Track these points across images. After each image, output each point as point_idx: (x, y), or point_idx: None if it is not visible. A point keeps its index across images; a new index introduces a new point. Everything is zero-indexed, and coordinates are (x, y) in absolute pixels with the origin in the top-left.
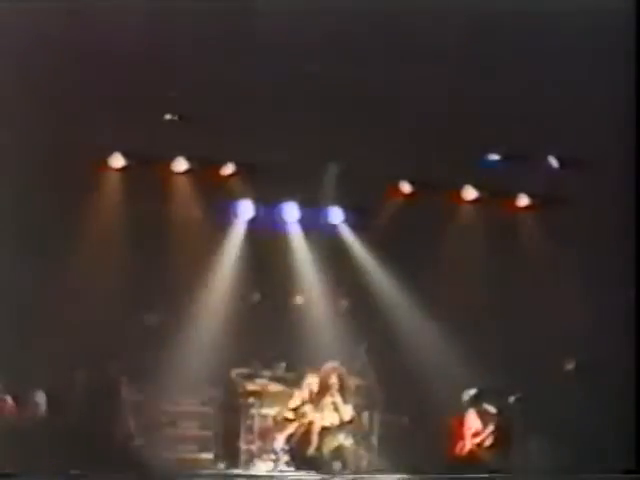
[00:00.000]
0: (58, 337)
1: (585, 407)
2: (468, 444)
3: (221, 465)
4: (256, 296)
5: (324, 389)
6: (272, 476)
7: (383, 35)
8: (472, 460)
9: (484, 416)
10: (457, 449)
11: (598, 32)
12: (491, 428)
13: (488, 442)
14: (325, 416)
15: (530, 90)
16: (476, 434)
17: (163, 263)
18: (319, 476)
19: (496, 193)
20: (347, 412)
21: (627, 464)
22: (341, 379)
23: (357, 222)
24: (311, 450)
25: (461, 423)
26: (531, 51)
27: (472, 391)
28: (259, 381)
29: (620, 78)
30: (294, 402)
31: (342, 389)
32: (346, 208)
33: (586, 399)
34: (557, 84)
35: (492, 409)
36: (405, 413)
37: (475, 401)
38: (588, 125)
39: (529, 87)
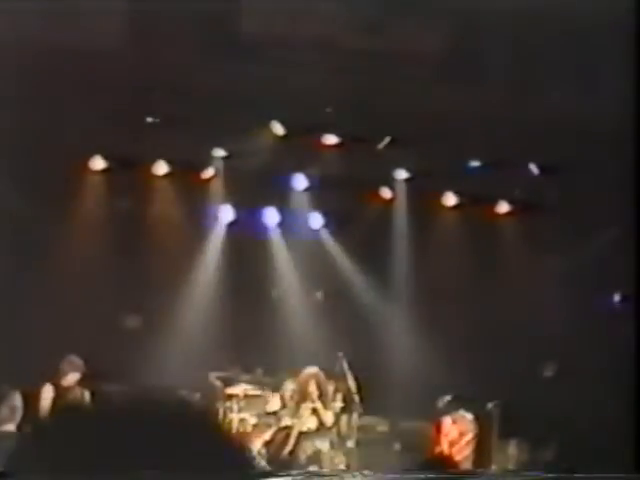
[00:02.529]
0: (37, 337)
1: (583, 407)
2: (445, 450)
3: None
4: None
5: (303, 395)
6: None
7: (367, 41)
8: (449, 466)
9: (461, 422)
10: (434, 455)
11: (594, 36)
12: (470, 436)
13: (465, 450)
14: (303, 421)
15: (513, 96)
16: (453, 441)
17: (143, 266)
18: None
19: (477, 199)
20: (328, 418)
21: (627, 464)
22: (320, 386)
23: (337, 227)
24: (288, 455)
25: (439, 429)
26: (516, 57)
27: (448, 397)
28: (238, 385)
29: (610, 85)
30: (272, 407)
31: (321, 396)
32: (326, 213)
33: (584, 400)
34: (541, 90)
35: (469, 415)
36: (383, 418)
37: (451, 407)
38: (571, 132)
39: (512, 93)
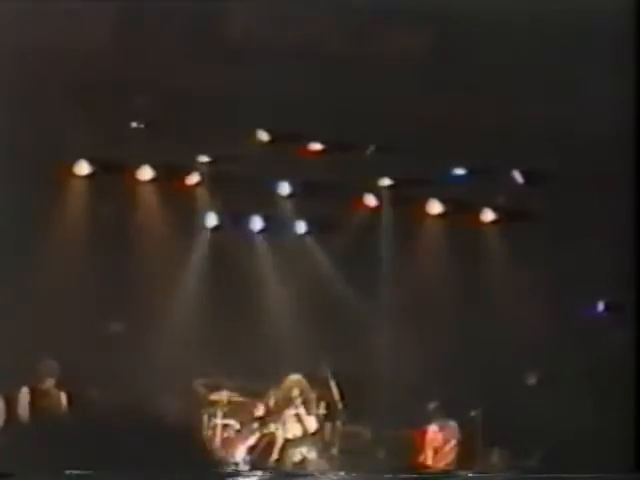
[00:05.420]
0: (20, 342)
1: (568, 414)
2: (429, 458)
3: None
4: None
5: (287, 401)
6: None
7: (352, 48)
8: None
9: (445, 429)
10: (418, 462)
11: (592, 38)
12: (453, 442)
13: (449, 456)
14: (288, 428)
15: (498, 104)
16: (437, 448)
17: (128, 271)
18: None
19: (461, 207)
20: (311, 424)
21: (627, 464)
22: (303, 392)
23: (321, 234)
24: (272, 462)
25: (423, 436)
26: (501, 64)
27: (433, 404)
28: (222, 391)
29: (596, 94)
30: (256, 413)
31: (305, 402)
32: (310, 220)
33: (585, 401)
34: (525, 97)
35: (453, 423)
36: (367, 425)
37: (436, 415)
38: (556, 140)
39: (496, 101)
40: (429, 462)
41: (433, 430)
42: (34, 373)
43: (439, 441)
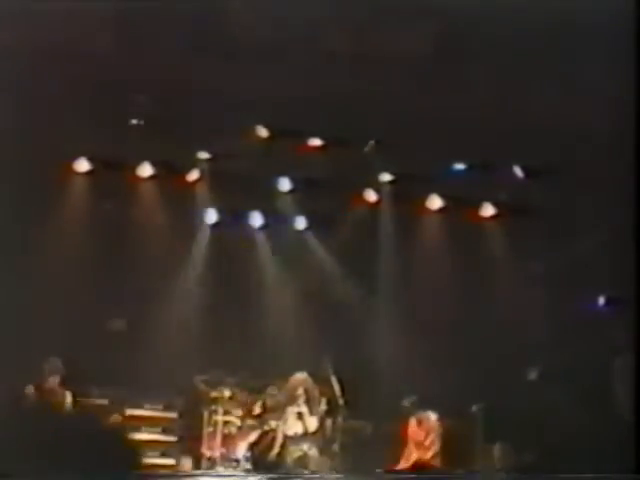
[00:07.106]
0: (20, 340)
1: (567, 410)
2: (413, 452)
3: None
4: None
5: (290, 399)
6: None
7: (352, 44)
8: (417, 468)
9: (424, 423)
10: (404, 456)
11: (591, 37)
12: (433, 435)
13: (432, 449)
14: (289, 425)
15: (498, 99)
16: (419, 442)
17: (127, 268)
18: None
19: (461, 202)
20: (312, 423)
21: (627, 464)
22: (308, 391)
23: (322, 230)
24: (273, 458)
25: (405, 430)
26: (501, 60)
27: (412, 398)
28: (223, 388)
29: (597, 87)
30: (258, 410)
31: (309, 401)
32: (311, 215)
33: (568, 402)
34: (525, 92)
35: (433, 415)
36: (367, 420)
37: (416, 408)
38: (556, 135)
39: (496, 96)
40: (414, 456)
41: (412, 424)
42: (39, 372)
43: (420, 435)
